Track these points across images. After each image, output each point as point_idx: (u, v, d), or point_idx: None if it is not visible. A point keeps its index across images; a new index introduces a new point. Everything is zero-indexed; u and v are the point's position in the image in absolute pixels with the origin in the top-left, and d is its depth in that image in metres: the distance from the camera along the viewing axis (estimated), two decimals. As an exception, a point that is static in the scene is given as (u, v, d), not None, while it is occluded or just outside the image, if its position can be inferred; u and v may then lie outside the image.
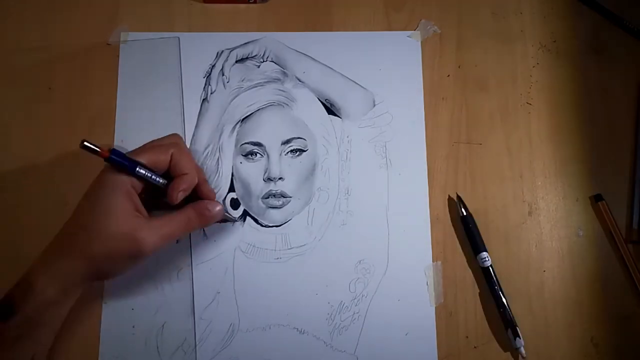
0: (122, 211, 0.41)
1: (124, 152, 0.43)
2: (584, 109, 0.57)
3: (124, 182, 0.42)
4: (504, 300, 0.50)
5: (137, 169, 0.42)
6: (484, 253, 0.51)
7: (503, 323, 0.51)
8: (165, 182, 0.45)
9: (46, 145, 0.54)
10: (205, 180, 0.49)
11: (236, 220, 0.53)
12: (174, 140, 0.47)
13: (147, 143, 0.46)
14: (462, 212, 0.53)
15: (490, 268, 0.51)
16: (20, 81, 0.55)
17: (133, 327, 0.50)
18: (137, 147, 0.46)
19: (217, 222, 0.50)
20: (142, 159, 0.43)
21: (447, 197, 0.54)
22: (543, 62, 0.58)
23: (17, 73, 0.56)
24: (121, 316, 0.50)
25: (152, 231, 0.42)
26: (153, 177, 0.44)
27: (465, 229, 0.53)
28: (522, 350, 0.49)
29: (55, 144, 0.54)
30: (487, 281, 0.51)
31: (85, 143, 0.40)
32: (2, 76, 0.55)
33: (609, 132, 0.56)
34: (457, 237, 0.53)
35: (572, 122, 0.57)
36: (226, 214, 0.50)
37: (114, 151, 0.42)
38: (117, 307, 0.50)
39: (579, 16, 0.59)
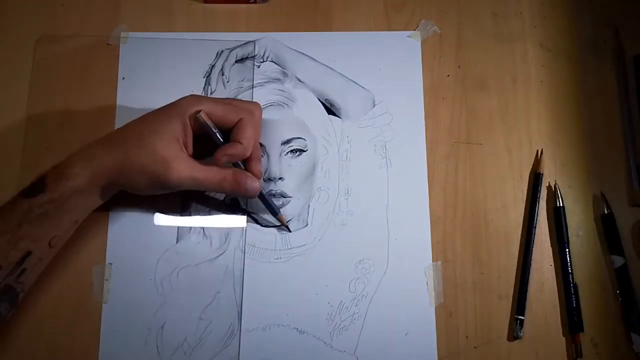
0: (171, 137, 0.44)
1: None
2: (584, 109, 0.57)
3: (188, 114, 0.44)
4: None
5: (203, 119, 0.44)
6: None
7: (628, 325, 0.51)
8: (222, 141, 0.46)
9: (46, 145, 0.54)
10: (259, 158, 0.50)
11: (287, 230, 0.52)
12: (251, 108, 0.48)
13: (228, 98, 0.48)
14: (605, 211, 0.53)
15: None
16: (20, 81, 0.55)
17: (133, 327, 0.50)
18: None
19: (265, 210, 0.51)
20: (214, 109, 0.45)
21: (447, 196, 0.54)
22: (543, 62, 0.58)
23: (17, 73, 0.56)
24: (121, 316, 0.50)
25: (187, 166, 0.44)
26: (216, 132, 0.45)
27: (604, 228, 0.53)
28: None
29: (55, 144, 0.54)
30: (619, 283, 0.52)
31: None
32: (2, 76, 0.55)
33: (609, 132, 0.56)
34: (464, 236, 0.53)
35: (572, 122, 0.57)
36: (273, 205, 0.51)
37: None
38: (117, 307, 0.50)
39: (579, 16, 0.59)
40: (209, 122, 0.45)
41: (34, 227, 0.41)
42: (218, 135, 0.46)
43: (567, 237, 0.53)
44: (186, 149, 0.45)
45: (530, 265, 0.52)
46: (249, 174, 0.48)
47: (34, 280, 0.44)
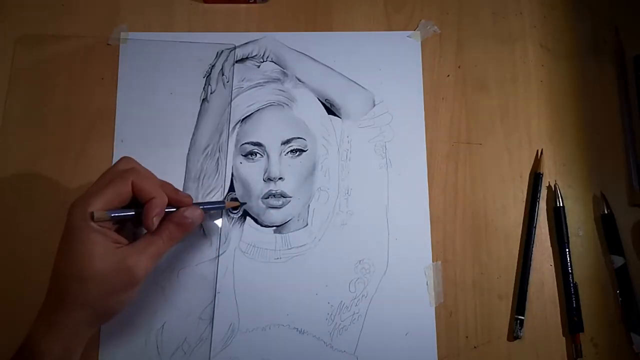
0: (102, 248, 0.40)
1: (123, 154, 0.43)
2: (584, 109, 0.57)
3: (90, 224, 0.40)
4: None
5: (114, 215, 0.42)
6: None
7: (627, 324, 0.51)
8: (133, 213, 0.43)
9: (46, 145, 0.54)
10: (176, 190, 0.46)
11: (242, 204, 0.53)
12: (129, 166, 0.44)
13: (102, 178, 0.43)
14: (605, 211, 0.53)
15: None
16: (20, 81, 0.55)
17: (133, 327, 0.50)
18: (130, 150, 0.44)
19: (230, 211, 0.52)
20: (103, 200, 0.41)
21: (447, 196, 0.54)
22: (543, 62, 0.58)
23: (17, 73, 0.56)
24: (121, 316, 0.50)
25: (139, 255, 0.41)
26: (122, 214, 0.43)
27: (604, 228, 0.53)
28: None
29: (55, 144, 0.54)
30: (619, 283, 0.52)
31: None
32: (1, 76, 0.55)
33: (609, 132, 0.56)
34: (465, 236, 0.53)
35: (572, 122, 0.57)
36: (234, 201, 0.51)
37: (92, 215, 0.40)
38: (117, 307, 0.50)
39: (579, 16, 0.59)
40: (118, 213, 0.42)
41: None
42: (129, 213, 0.43)
43: (567, 237, 0.53)
44: (120, 242, 0.42)
45: (530, 265, 0.52)
46: (181, 208, 0.45)
47: None
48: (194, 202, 0.46)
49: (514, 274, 0.53)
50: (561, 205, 0.53)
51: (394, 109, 0.56)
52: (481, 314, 0.52)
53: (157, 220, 0.43)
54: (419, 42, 0.58)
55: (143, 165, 0.46)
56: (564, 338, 0.51)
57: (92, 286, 0.40)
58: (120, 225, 0.45)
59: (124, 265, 0.40)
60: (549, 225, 0.54)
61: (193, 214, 0.45)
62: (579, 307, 0.51)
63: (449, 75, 0.57)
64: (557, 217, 0.53)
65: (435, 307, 0.51)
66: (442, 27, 0.59)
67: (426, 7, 0.59)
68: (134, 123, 0.54)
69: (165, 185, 0.46)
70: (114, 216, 0.42)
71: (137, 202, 0.43)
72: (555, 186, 0.54)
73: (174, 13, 0.58)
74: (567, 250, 0.52)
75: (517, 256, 0.53)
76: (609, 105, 0.57)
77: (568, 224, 0.53)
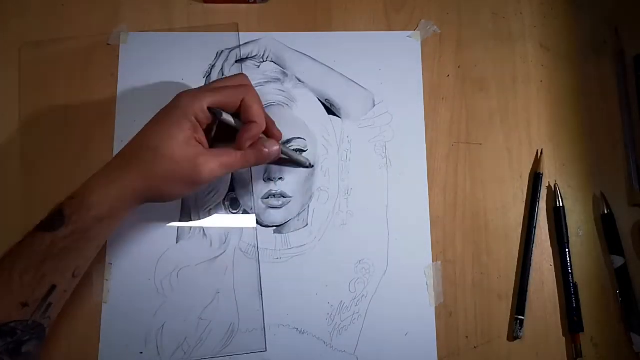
0: (185, 137, 0.43)
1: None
2: (584, 109, 0.57)
3: (192, 113, 0.43)
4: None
5: (223, 115, 0.44)
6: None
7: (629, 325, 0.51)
8: (241, 123, 0.46)
9: (46, 145, 0.54)
10: (273, 122, 0.50)
11: (310, 166, 0.54)
12: (244, 82, 0.47)
13: (217, 82, 0.47)
14: (605, 211, 0.53)
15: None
16: (20, 81, 0.55)
17: (133, 327, 0.50)
18: None
19: (292, 165, 0.53)
20: (214, 99, 0.44)
21: (447, 196, 0.54)
22: (543, 62, 0.58)
23: (17, 73, 0.56)
24: (121, 316, 0.50)
25: (212, 158, 0.44)
26: (231, 120, 0.45)
27: (604, 228, 0.54)
28: None
29: (55, 144, 0.54)
30: (619, 283, 0.52)
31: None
32: (1, 76, 0.55)
33: (609, 132, 0.56)
34: (465, 235, 0.53)
35: (572, 122, 0.57)
36: (298, 157, 0.53)
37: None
38: (117, 307, 0.50)
39: (579, 16, 0.59)
40: (229, 117, 0.45)
41: (57, 261, 0.40)
42: (237, 123, 0.46)
43: (567, 237, 0.53)
44: (201, 142, 0.45)
45: (530, 265, 0.52)
46: (264, 138, 0.47)
47: (59, 312, 0.43)
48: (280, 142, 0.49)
49: (514, 274, 0.53)
50: (561, 205, 0.53)
51: (394, 109, 0.56)
52: (481, 314, 0.52)
53: (249, 143, 0.45)
54: (419, 42, 0.58)
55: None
56: (563, 338, 0.51)
57: (161, 163, 0.42)
58: (209, 130, 0.47)
59: (195, 160, 0.43)
60: (549, 225, 0.54)
61: (272, 147, 0.47)
62: (579, 307, 0.51)
63: (449, 75, 0.57)
64: (557, 217, 0.53)
65: (435, 307, 0.51)
66: (442, 27, 0.59)
67: (426, 7, 0.59)
68: (134, 123, 0.54)
69: (267, 115, 0.49)
70: (230, 120, 0.45)
71: (237, 116, 0.46)
72: (555, 186, 0.54)
73: (174, 13, 0.58)
74: (567, 250, 0.52)
75: (517, 256, 0.53)
76: (609, 105, 0.57)
77: (568, 224, 0.53)
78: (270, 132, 0.49)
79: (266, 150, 0.46)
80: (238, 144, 0.45)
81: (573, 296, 0.51)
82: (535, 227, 0.53)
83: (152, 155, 0.42)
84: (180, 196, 0.46)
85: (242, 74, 0.49)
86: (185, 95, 0.44)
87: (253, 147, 0.46)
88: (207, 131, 0.46)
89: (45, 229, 0.40)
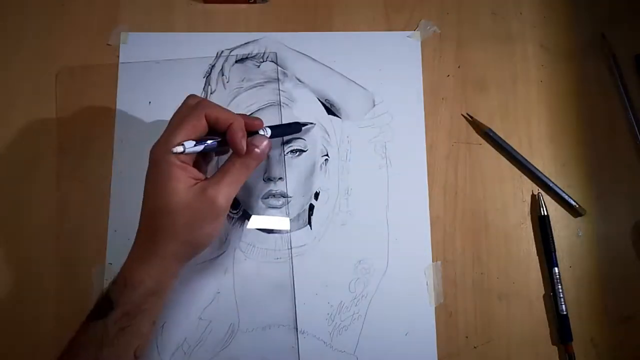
0: (184, 182, 0.42)
1: (123, 154, 0.43)
2: (584, 109, 0.57)
3: (171, 161, 0.42)
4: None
5: (203, 147, 0.43)
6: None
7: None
8: (219, 139, 0.44)
9: (46, 145, 0.54)
10: (244, 114, 0.49)
11: (312, 124, 0.54)
12: (195, 102, 0.45)
13: (174, 117, 0.44)
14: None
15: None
16: (20, 82, 0.55)
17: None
18: (130, 150, 0.46)
19: (230, 211, 0.52)
20: (182, 135, 0.42)
21: (447, 196, 0.54)
22: (543, 62, 0.58)
23: (17, 73, 0.56)
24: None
25: (217, 184, 0.43)
26: (210, 144, 0.44)
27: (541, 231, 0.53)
28: None
29: (55, 144, 0.54)
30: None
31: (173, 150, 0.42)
32: (2, 76, 0.55)
33: (609, 132, 0.56)
34: (464, 236, 0.53)
35: (572, 122, 0.57)
36: (307, 124, 0.53)
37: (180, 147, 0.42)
38: (117, 307, 0.50)
39: (579, 16, 0.59)
40: (192, 147, 0.43)
41: (115, 346, 0.40)
42: (215, 140, 0.44)
43: (554, 246, 0.52)
44: (198, 178, 0.43)
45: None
46: (252, 137, 0.45)
47: None
48: (265, 125, 0.47)
49: (514, 274, 0.53)
50: (546, 214, 0.53)
51: (394, 109, 0.56)
52: (481, 314, 0.52)
53: (244, 142, 0.44)
54: (419, 42, 0.58)
55: (141, 166, 0.45)
56: (560, 346, 0.51)
57: (179, 218, 0.41)
58: (198, 162, 0.46)
59: (205, 196, 0.42)
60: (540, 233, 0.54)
61: (261, 144, 0.45)
62: (567, 316, 0.51)
63: (449, 75, 0.57)
64: (542, 225, 0.53)
65: (435, 307, 0.51)
66: (442, 27, 0.59)
67: (426, 7, 0.59)
68: (134, 123, 0.54)
69: (235, 116, 0.46)
70: (204, 147, 0.43)
71: (214, 134, 0.44)
72: (538, 195, 0.54)
73: (174, 13, 0.58)
74: (554, 258, 0.52)
75: (517, 256, 0.53)
76: (608, 105, 0.57)
77: (568, 224, 0.53)
78: (250, 123, 0.46)
79: (257, 150, 0.45)
80: (235, 149, 0.44)
81: (563, 306, 0.51)
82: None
83: (169, 217, 0.41)
84: (216, 234, 0.44)
85: (190, 95, 0.46)
86: (156, 149, 0.43)
87: (247, 153, 0.44)
88: (200, 162, 0.46)
89: (95, 318, 0.40)
